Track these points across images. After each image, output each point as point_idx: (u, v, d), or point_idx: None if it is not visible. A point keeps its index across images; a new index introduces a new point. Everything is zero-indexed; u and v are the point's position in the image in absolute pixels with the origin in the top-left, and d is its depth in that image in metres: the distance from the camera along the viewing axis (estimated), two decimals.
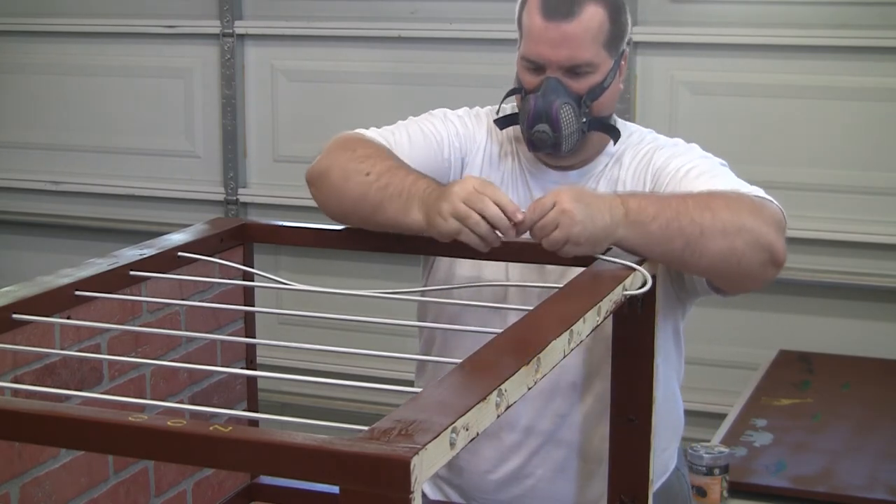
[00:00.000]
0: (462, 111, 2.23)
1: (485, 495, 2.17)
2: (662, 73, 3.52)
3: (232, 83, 3.99)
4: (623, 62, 2.11)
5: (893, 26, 3.31)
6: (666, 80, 3.52)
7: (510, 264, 2.08)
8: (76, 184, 4.23)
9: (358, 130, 2.13)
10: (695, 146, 2.15)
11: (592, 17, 2.04)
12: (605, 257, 1.83)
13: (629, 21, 2.11)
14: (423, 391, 1.27)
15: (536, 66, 2.07)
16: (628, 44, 2.12)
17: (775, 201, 2.00)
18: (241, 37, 3.99)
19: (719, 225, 1.88)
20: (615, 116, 2.16)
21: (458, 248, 1.88)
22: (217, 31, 3.99)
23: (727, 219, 1.89)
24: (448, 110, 2.22)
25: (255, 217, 3.91)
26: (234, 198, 4.03)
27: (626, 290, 1.72)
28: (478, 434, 1.24)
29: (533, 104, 2.05)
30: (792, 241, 3.29)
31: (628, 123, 2.20)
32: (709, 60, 3.49)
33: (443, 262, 2.16)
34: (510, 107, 2.18)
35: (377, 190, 1.94)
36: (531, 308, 1.71)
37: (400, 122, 2.20)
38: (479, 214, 1.81)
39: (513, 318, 2.04)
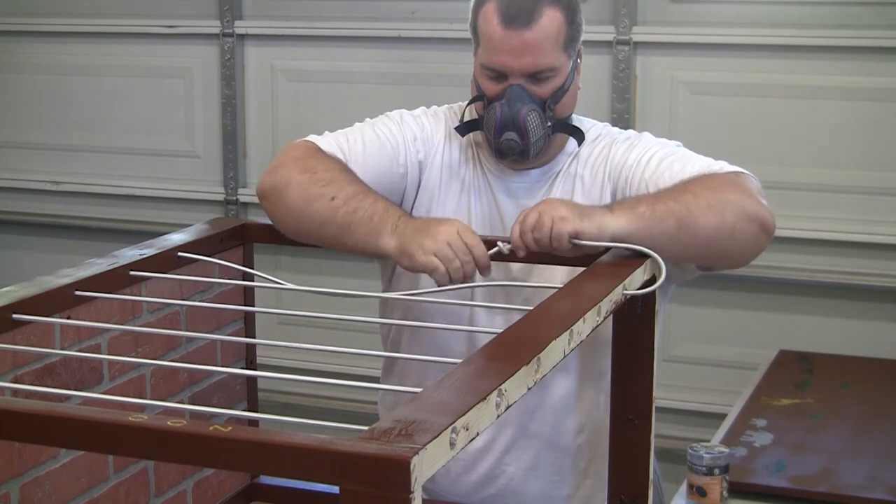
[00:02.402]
0: (419, 111, 2.23)
1: (458, 499, 2.17)
2: (662, 73, 3.52)
3: (232, 83, 3.99)
4: (580, 60, 2.13)
5: (893, 26, 3.31)
6: (666, 80, 3.52)
7: None
8: (76, 184, 4.23)
9: (310, 138, 2.13)
10: (646, 134, 2.19)
11: (551, 21, 2.05)
12: (614, 244, 1.85)
13: (583, 20, 2.12)
14: (423, 391, 1.27)
15: (498, 74, 2.08)
16: (582, 42, 2.14)
17: (747, 171, 2.03)
18: (241, 37, 3.98)
19: (703, 202, 1.91)
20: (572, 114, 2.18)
21: None
22: (217, 31, 3.99)
23: (709, 196, 1.93)
24: (405, 112, 2.22)
25: (255, 217, 3.89)
26: (234, 198, 4.03)
27: (626, 289, 1.72)
28: (478, 434, 1.24)
29: (499, 112, 2.06)
30: (792, 241, 3.34)
31: (583, 119, 2.21)
32: (709, 60, 3.49)
33: (407, 272, 2.17)
34: (467, 111, 2.18)
35: (345, 214, 1.97)
36: (503, 307, 1.89)
37: (356, 124, 2.20)
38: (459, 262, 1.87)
39: (481, 317, 2.08)
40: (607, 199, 2.08)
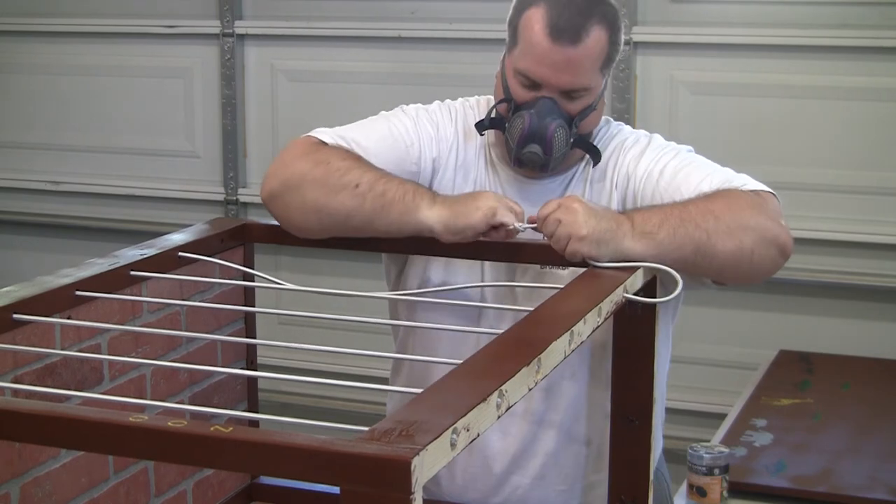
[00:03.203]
0: (434, 107, 2.18)
1: None
2: (662, 73, 3.52)
3: (232, 83, 3.99)
4: (609, 78, 2.10)
5: (893, 26, 3.31)
6: (666, 80, 3.52)
7: (485, 265, 2.08)
8: (76, 184, 4.23)
9: (317, 131, 2.08)
10: (657, 137, 2.14)
11: (597, 41, 2.00)
12: (616, 264, 1.83)
13: (622, 41, 2.08)
14: (424, 392, 1.27)
15: (532, 83, 2.03)
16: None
17: (766, 188, 2.01)
18: (241, 37, 3.98)
19: (723, 227, 1.89)
20: None
21: (461, 249, 1.94)
22: (217, 31, 3.99)
23: (731, 220, 1.90)
24: (421, 107, 2.17)
25: (255, 217, 3.89)
26: (234, 198, 4.03)
27: (627, 291, 1.72)
28: (478, 435, 1.24)
29: (528, 122, 2.01)
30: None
31: None
32: (709, 60, 3.49)
33: (416, 267, 2.15)
34: (484, 100, 2.15)
35: (374, 198, 1.94)
36: (510, 308, 1.86)
37: (370, 117, 2.16)
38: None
39: (489, 318, 2.07)
40: (613, 207, 2.05)
